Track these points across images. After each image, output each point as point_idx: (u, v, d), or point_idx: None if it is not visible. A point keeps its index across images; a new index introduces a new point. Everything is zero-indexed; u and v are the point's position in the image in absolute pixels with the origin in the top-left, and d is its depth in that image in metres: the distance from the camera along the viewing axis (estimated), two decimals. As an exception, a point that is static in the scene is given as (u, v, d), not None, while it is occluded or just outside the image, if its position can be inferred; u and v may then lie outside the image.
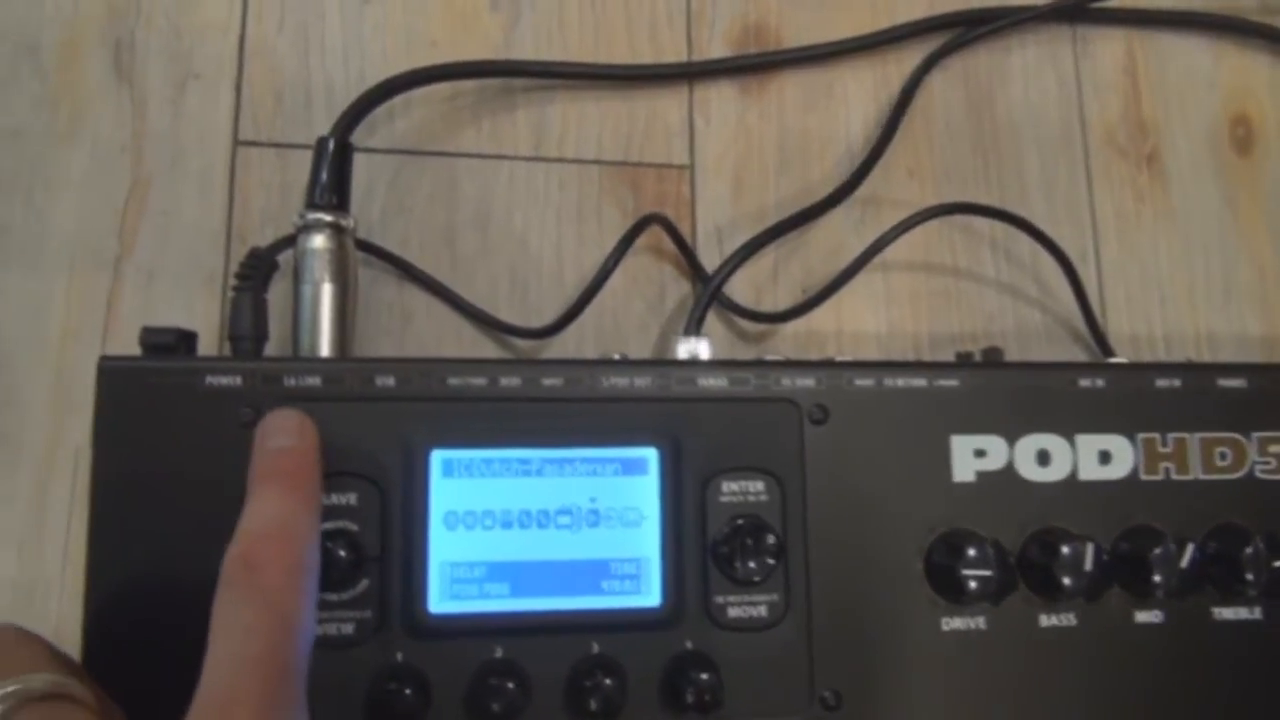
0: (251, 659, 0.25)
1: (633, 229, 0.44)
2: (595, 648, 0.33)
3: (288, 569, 0.27)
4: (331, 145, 0.40)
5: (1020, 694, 0.36)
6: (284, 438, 0.31)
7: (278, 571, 0.27)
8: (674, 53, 0.49)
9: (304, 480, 0.30)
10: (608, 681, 0.33)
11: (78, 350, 0.41)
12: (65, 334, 0.41)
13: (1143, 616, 0.37)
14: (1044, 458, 0.37)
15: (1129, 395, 0.38)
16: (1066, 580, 0.35)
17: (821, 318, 0.47)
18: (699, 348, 0.39)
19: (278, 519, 0.28)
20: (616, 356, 0.38)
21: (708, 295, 0.42)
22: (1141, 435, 0.38)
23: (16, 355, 0.41)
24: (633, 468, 0.35)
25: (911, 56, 0.51)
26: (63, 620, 0.39)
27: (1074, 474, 0.37)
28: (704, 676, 0.33)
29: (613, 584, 0.34)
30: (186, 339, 0.35)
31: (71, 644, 0.38)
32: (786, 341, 0.47)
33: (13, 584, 0.39)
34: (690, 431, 0.35)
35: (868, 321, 0.48)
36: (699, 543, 0.35)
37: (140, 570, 0.32)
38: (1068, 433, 0.38)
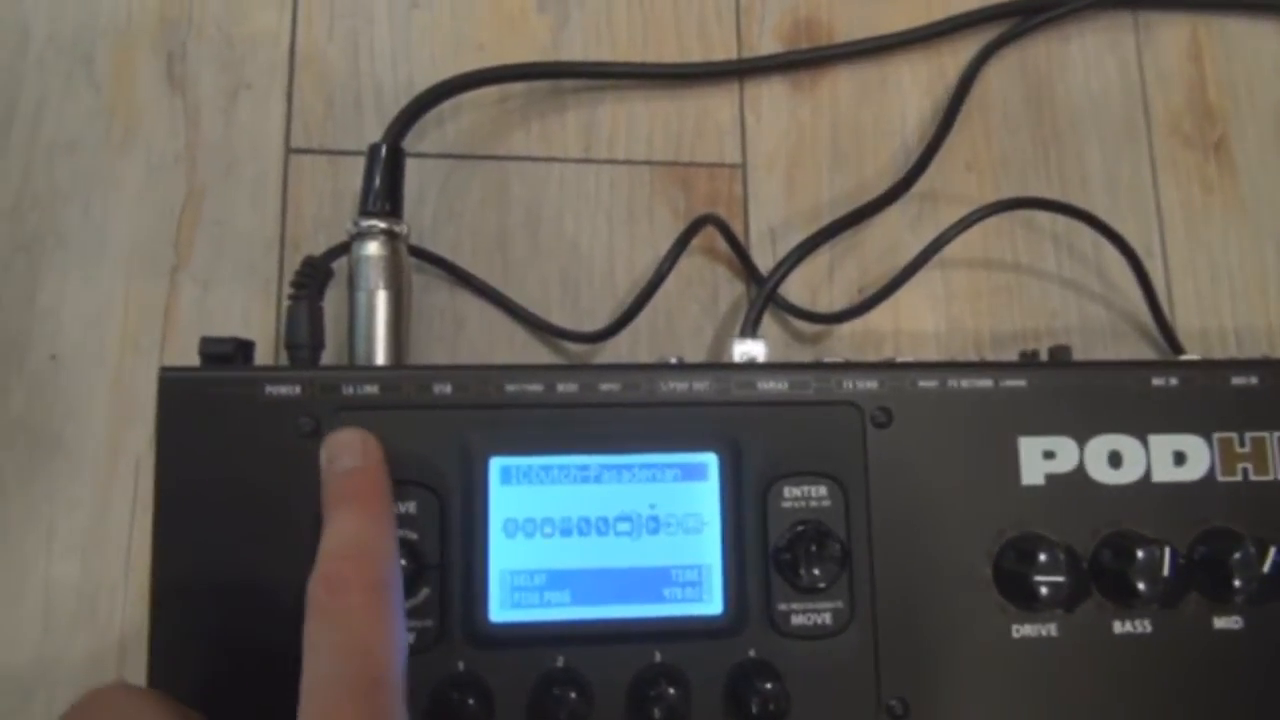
0: (342, 680, 0.26)
1: (687, 230, 0.43)
2: (658, 656, 0.33)
3: (368, 586, 0.27)
4: (383, 151, 0.40)
5: (1094, 704, 0.35)
6: (349, 458, 0.31)
7: (358, 590, 0.27)
8: (724, 50, 0.49)
9: (375, 498, 0.30)
10: (671, 691, 0.32)
11: (136, 359, 0.42)
12: (124, 343, 0.42)
13: (1222, 623, 0.36)
14: (1116, 459, 0.36)
15: (1204, 393, 0.37)
16: (1142, 586, 0.34)
17: (878, 317, 0.46)
18: (755, 350, 0.39)
19: (355, 539, 0.29)
20: (673, 360, 0.37)
21: (763, 297, 0.42)
22: (1218, 435, 0.37)
23: (77, 365, 0.41)
24: (692, 473, 0.34)
25: (967, 47, 0.50)
26: (127, 626, 0.39)
27: (1147, 475, 0.36)
28: (768, 685, 0.32)
29: (674, 591, 0.33)
30: (244, 348, 0.35)
31: (136, 650, 0.39)
32: (843, 342, 0.46)
33: (76, 590, 0.40)
34: (750, 436, 0.35)
35: (926, 320, 0.47)
36: (761, 549, 0.34)
37: (204, 578, 0.32)
38: (1140, 433, 0.36)
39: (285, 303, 0.39)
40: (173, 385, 0.33)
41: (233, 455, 0.32)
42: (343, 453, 0.31)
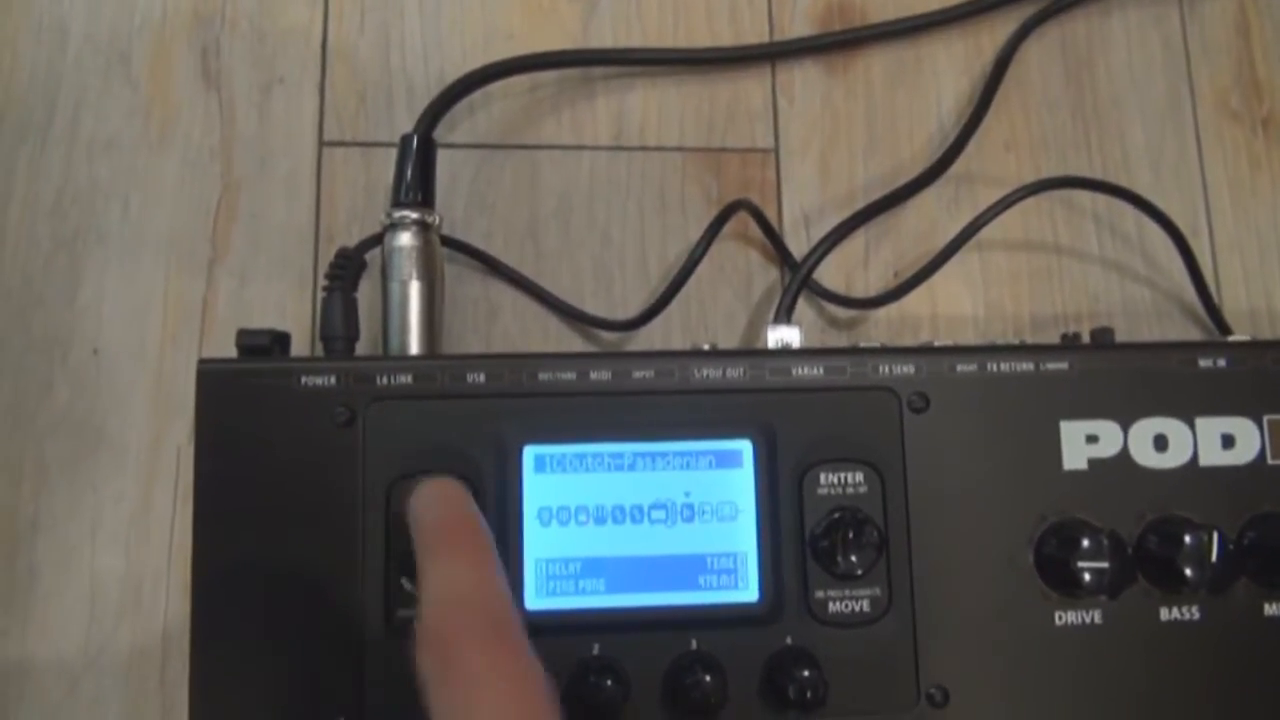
0: None
1: (719, 216, 0.43)
2: (694, 644, 0.33)
3: (479, 637, 0.24)
4: (415, 143, 0.40)
5: (1140, 692, 0.34)
6: (437, 508, 0.28)
7: (469, 647, 0.24)
8: (755, 34, 0.48)
9: (466, 538, 0.27)
10: (707, 678, 0.32)
11: (176, 353, 0.42)
12: (164, 337, 0.42)
13: (1273, 610, 0.35)
14: (1161, 443, 0.35)
15: (1253, 375, 0.36)
16: (1189, 572, 0.34)
17: (915, 301, 0.45)
18: (789, 336, 0.38)
19: (451, 590, 0.25)
20: (706, 347, 0.37)
21: (797, 282, 0.41)
22: (1268, 417, 0.36)
23: (119, 359, 0.42)
24: (727, 460, 0.34)
25: (1005, 25, 0.49)
26: (171, 616, 0.40)
27: (1194, 459, 0.35)
28: (806, 673, 0.32)
29: (710, 579, 0.33)
30: (280, 340, 0.35)
31: (180, 639, 0.39)
32: (878, 327, 0.46)
33: (121, 580, 0.40)
34: (785, 422, 0.34)
35: (964, 303, 0.46)
36: (797, 536, 0.34)
37: (243, 567, 0.32)
38: (1187, 416, 0.36)
39: (320, 294, 0.39)
40: (210, 377, 0.33)
41: (270, 445, 0.33)
42: (429, 504, 0.28)
